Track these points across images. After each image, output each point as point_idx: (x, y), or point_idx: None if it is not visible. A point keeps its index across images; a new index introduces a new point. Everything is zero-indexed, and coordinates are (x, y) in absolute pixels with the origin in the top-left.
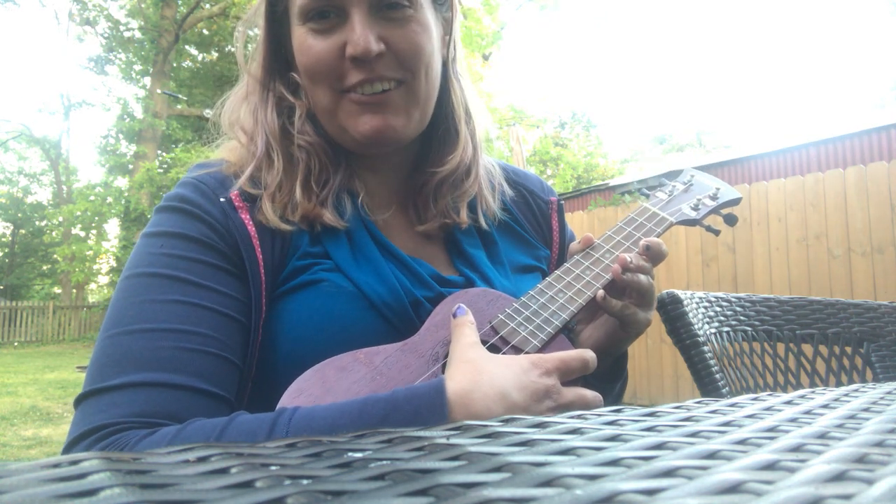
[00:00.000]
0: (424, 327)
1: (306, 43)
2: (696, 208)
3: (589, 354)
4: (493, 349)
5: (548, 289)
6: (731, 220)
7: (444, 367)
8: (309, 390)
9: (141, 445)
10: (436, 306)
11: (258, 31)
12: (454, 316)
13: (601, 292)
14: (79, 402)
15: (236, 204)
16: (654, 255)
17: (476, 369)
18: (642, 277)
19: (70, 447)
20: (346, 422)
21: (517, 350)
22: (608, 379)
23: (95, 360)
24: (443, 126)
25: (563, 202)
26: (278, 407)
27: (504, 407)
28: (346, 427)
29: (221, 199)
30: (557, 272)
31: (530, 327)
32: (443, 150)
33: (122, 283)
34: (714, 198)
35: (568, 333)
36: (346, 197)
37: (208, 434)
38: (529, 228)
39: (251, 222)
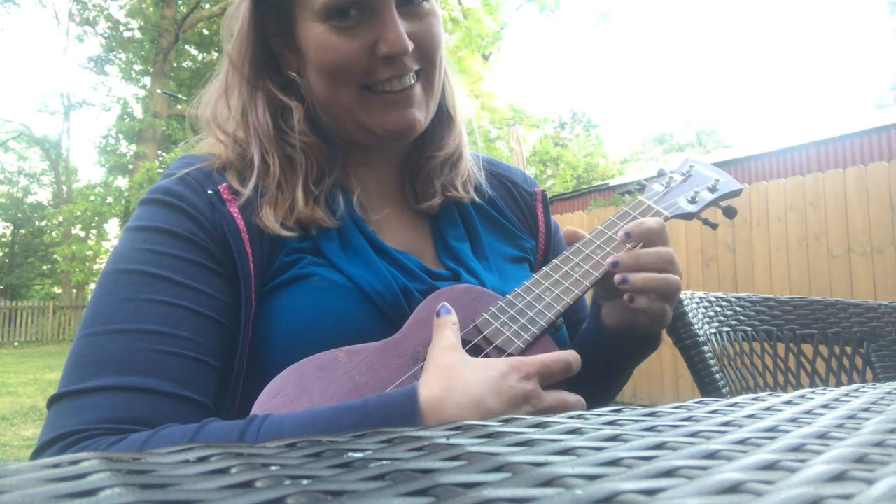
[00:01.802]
0: (406, 325)
1: (330, 42)
2: (693, 201)
3: (572, 356)
4: (476, 349)
5: (534, 286)
6: (730, 213)
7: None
8: (286, 390)
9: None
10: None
11: (237, 28)
12: (437, 315)
13: (626, 296)
14: (51, 403)
15: (224, 196)
16: (640, 237)
17: (450, 375)
18: (636, 278)
19: (38, 453)
20: (315, 432)
21: (501, 350)
22: (641, 345)
23: (71, 360)
24: (438, 110)
25: (546, 192)
26: (254, 407)
27: (479, 414)
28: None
29: (209, 192)
30: (545, 269)
31: (515, 327)
32: (440, 134)
33: (102, 278)
34: (713, 189)
35: (554, 332)
36: (339, 194)
37: (177, 443)
38: (514, 220)
39: (240, 216)
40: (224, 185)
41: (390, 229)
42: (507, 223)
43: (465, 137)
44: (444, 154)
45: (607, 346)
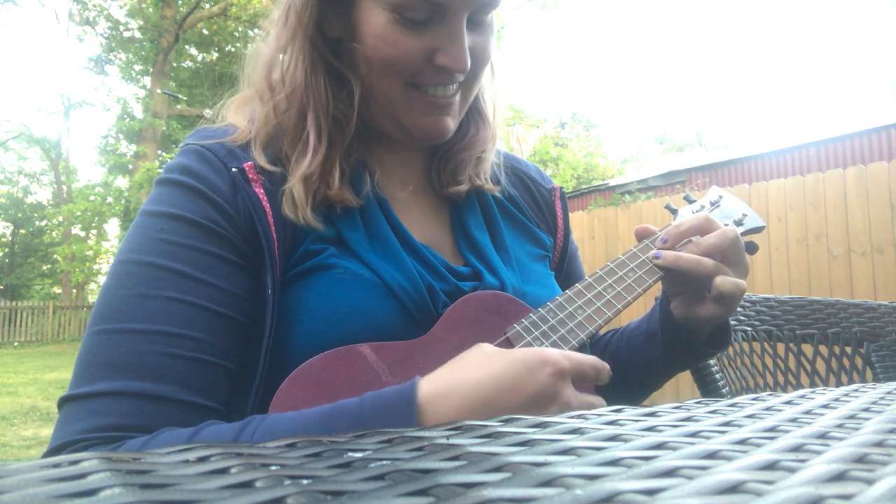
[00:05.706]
0: (438, 326)
1: (392, 35)
2: None
3: (604, 366)
4: None
5: (568, 304)
6: (751, 249)
7: None
8: (307, 382)
9: None
10: (451, 298)
11: None
12: None
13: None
14: (62, 404)
15: (250, 176)
16: (678, 238)
17: (460, 366)
18: (668, 254)
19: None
20: (310, 433)
21: None
22: (712, 346)
23: (81, 359)
24: (472, 107)
25: (564, 189)
26: (273, 399)
27: (488, 412)
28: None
29: (233, 170)
30: (579, 287)
31: (546, 343)
32: (473, 129)
33: (115, 267)
34: (739, 223)
35: (584, 350)
36: (363, 172)
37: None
38: (532, 216)
39: (266, 198)
40: (250, 163)
41: (412, 217)
42: (526, 220)
43: (496, 136)
44: (476, 150)
45: (668, 341)
